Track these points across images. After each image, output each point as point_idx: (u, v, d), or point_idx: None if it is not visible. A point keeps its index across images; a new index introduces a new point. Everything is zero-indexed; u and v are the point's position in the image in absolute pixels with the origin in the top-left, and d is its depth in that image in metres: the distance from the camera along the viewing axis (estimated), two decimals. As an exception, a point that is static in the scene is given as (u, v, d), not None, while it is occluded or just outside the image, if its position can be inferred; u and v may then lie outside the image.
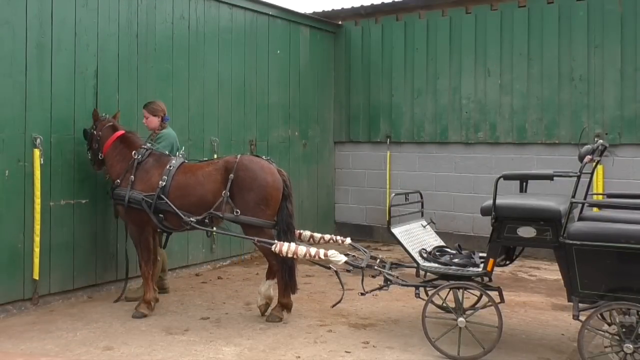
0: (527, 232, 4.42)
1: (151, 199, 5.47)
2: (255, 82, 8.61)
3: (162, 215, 5.53)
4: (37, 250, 5.75)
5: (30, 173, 5.80)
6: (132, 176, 5.61)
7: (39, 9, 5.94)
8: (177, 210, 5.43)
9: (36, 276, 5.79)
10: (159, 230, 5.83)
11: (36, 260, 5.76)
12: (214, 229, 5.69)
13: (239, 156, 5.65)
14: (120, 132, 5.89)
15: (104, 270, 6.55)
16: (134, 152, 5.72)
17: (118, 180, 5.68)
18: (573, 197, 4.38)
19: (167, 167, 5.62)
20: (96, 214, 6.45)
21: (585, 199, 5.04)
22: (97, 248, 6.48)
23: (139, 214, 5.58)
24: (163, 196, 5.47)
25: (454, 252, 5.17)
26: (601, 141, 4.56)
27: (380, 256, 5.60)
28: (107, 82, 6.58)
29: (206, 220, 5.48)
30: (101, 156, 5.86)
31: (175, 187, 5.53)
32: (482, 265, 4.77)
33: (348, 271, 5.34)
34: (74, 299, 6.23)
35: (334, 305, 5.49)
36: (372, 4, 9.86)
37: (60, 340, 5.03)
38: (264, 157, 5.81)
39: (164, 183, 5.52)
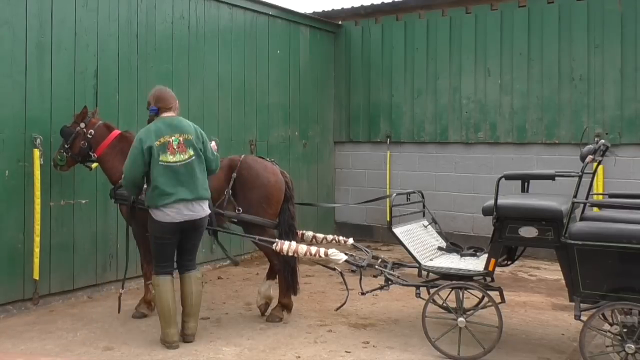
0: (528, 232, 4.41)
1: None
2: (255, 82, 8.60)
3: None
4: (37, 250, 5.74)
5: (30, 173, 5.79)
6: None
7: (39, 9, 5.94)
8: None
9: (36, 276, 5.78)
10: None
11: (36, 260, 5.75)
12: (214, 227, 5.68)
13: (242, 156, 5.70)
14: (117, 131, 5.84)
15: (104, 270, 6.55)
16: None
17: (122, 181, 5.63)
18: (575, 197, 4.38)
19: None
20: (96, 214, 6.45)
21: (586, 199, 5.04)
22: (97, 248, 6.47)
23: (144, 214, 5.55)
24: None
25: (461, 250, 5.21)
26: (603, 141, 4.55)
27: (382, 256, 5.60)
28: (107, 82, 6.57)
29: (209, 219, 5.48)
30: (94, 156, 5.76)
31: None
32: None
33: (352, 271, 5.33)
34: (74, 299, 6.22)
35: (338, 308, 5.50)
36: (372, 4, 9.86)
37: (60, 340, 5.03)
38: (268, 159, 5.83)
39: None
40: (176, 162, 4.71)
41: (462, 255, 5.12)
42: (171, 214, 4.71)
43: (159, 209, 4.73)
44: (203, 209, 4.84)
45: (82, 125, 5.69)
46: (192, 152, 4.75)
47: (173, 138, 4.74)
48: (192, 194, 4.71)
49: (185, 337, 4.94)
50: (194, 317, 4.98)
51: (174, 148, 4.72)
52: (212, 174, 5.04)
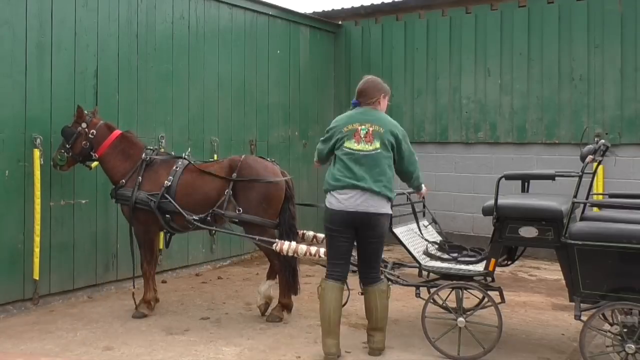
0: (528, 232, 4.41)
1: (155, 198, 5.46)
2: (255, 82, 8.60)
3: (168, 216, 5.52)
4: (37, 250, 5.74)
5: (30, 173, 5.79)
6: (140, 177, 5.59)
7: (39, 9, 5.94)
8: (179, 209, 5.42)
9: (36, 276, 5.78)
10: (164, 230, 5.82)
11: (36, 260, 5.75)
12: (215, 227, 5.70)
13: (243, 156, 5.71)
14: (118, 131, 5.85)
15: (104, 270, 6.55)
16: (143, 153, 5.70)
17: (123, 181, 5.64)
18: (575, 197, 4.38)
19: (174, 167, 5.62)
20: (96, 214, 6.45)
21: (586, 199, 5.04)
22: (97, 248, 6.47)
23: (145, 214, 5.57)
24: (167, 195, 5.47)
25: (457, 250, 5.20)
26: (603, 141, 4.56)
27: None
28: (107, 82, 6.57)
29: (209, 219, 5.48)
30: (95, 156, 5.78)
31: (182, 186, 5.53)
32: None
33: (353, 272, 5.33)
34: (74, 299, 6.22)
35: None
36: (372, 4, 9.86)
37: (60, 340, 5.03)
38: (269, 159, 5.83)
39: (169, 183, 5.52)
40: (359, 150, 4.44)
41: (458, 261, 5.05)
42: (342, 200, 4.39)
43: (331, 193, 4.46)
44: (374, 206, 4.38)
45: (84, 125, 5.70)
46: (378, 145, 4.43)
47: (362, 127, 4.46)
48: (366, 184, 4.38)
49: (371, 351, 4.64)
50: (380, 331, 4.61)
51: (360, 137, 4.44)
52: (406, 176, 4.75)
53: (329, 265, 4.58)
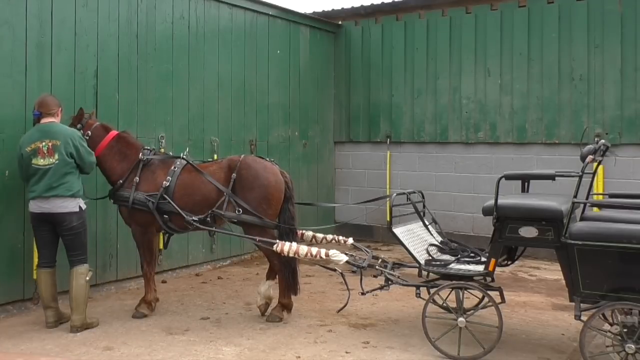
0: (529, 232, 4.41)
1: (154, 199, 5.46)
2: (255, 82, 8.60)
3: (166, 216, 5.52)
4: (37, 250, 5.74)
5: (30, 173, 5.78)
6: (137, 177, 5.59)
7: (39, 9, 5.94)
8: (179, 210, 5.42)
9: (36, 276, 5.77)
10: (162, 231, 5.82)
11: (36, 260, 5.75)
12: (215, 228, 5.69)
13: (242, 156, 5.70)
14: (114, 132, 5.84)
15: (104, 270, 6.55)
16: (140, 153, 5.70)
17: (120, 181, 5.64)
18: (575, 197, 4.38)
19: (172, 167, 5.62)
20: (96, 214, 6.44)
21: (586, 199, 5.04)
22: (97, 248, 6.46)
23: (143, 215, 5.56)
24: (166, 196, 5.47)
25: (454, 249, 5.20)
26: (603, 141, 4.56)
27: (382, 256, 5.60)
28: (107, 82, 6.57)
29: (208, 219, 5.48)
30: None
31: (180, 186, 5.53)
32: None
33: (353, 272, 5.33)
34: (74, 299, 6.21)
35: (340, 310, 5.50)
36: (372, 4, 9.86)
37: (60, 340, 5.03)
38: (268, 159, 5.83)
39: (168, 183, 5.51)
40: (45, 165, 5.19)
41: (459, 261, 5.05)
42: (41, 206, 5.21)
43: (33, 201, 5.25)
44: (62, 206, 5.22)
45: (79, 126, 5.70)
46: (57, 157, 5.20)
47: (43, 144, 5.21)
48: (51, 191, 5.17)
49: (70, 329, 5.24)
50: (75, 311, 5.23)
51: (44, 152, 5.21)
52: (85, 173, 5.49)
53: (38, 256, 5.47)
